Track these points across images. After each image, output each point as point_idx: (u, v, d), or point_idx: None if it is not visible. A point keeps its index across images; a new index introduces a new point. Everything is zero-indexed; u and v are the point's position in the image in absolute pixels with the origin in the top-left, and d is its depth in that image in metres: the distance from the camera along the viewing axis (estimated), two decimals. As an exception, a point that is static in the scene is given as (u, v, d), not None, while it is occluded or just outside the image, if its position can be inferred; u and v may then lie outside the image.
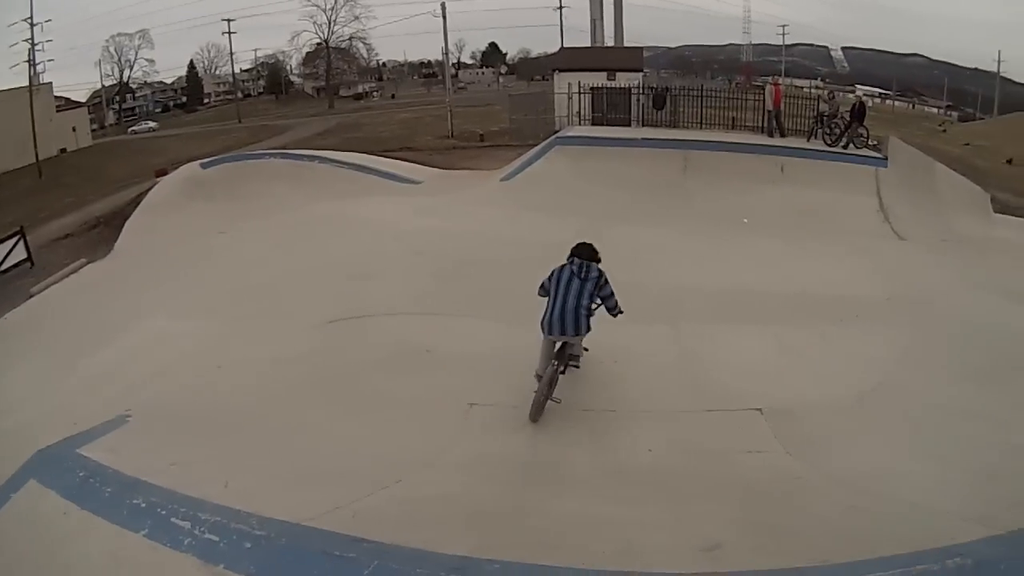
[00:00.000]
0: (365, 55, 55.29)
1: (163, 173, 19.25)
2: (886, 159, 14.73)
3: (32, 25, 37.21)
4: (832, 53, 58.72)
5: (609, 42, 33.26)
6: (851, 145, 15.44)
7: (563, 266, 6.69)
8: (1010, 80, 47.62)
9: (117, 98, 50.82)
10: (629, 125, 19.64)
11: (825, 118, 16.16)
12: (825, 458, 5.98)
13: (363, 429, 6.42)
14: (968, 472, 5.60)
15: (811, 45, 58.16)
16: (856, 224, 13.16)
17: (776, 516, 5.01)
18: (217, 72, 55.51)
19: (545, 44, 50.40)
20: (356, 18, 51.93)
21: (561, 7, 45.42)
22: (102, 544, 4.51)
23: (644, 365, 7.68)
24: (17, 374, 8.77)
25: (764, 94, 17.50)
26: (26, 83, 34.62)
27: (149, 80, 52.95)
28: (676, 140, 16.02)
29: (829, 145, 15.69)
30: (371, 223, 13.36)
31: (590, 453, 6.11)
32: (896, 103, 51.13)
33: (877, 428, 6.51)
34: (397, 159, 20.21)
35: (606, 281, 6.67)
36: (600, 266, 6.73)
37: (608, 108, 20.81)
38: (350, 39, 53.34)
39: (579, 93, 20.85)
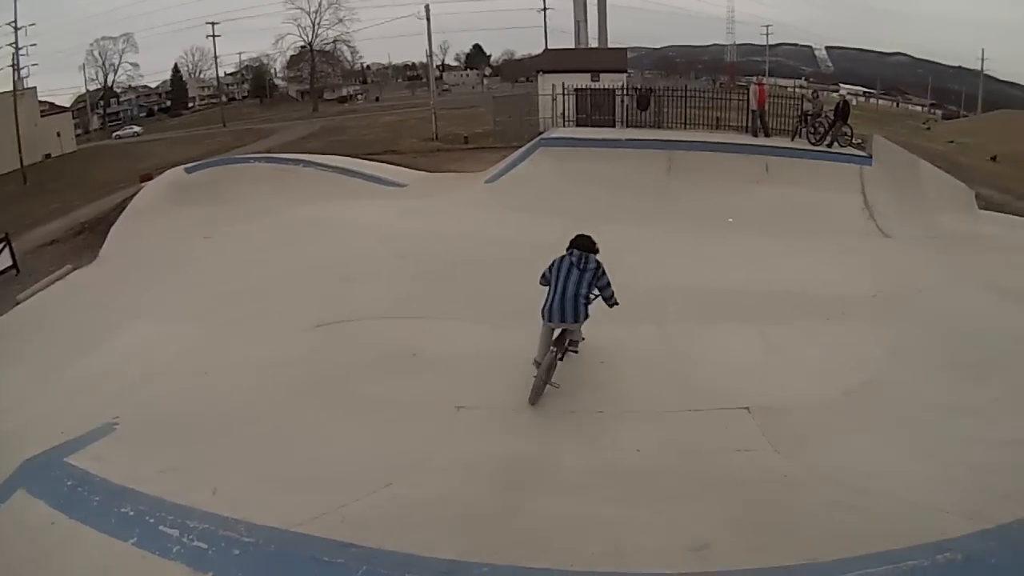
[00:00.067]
0: (349, 58, 55.28)
1: (148, 178, 19.22)
2: (870, 157, 14.79)
3: (16, 29, 36.88)
4: (816, 52, 59.24)
5: (593, 43, 33.18)
6: (835, 144, 15.51)
7: (563, 256, 6.97)
8: (993, 78, 48.20)
9: (101, 102, 50.46)
10: (613, 126, 19.71)
11: (809, 117, 16.17)
12: (813, 456, 6.01)
13: (351, 433, 6.41)
14: (957, 467, 5.63)
15: (795, 45, 58.66)
16: (841, 222, 13.20)
17: (765, 514, 5.02)
18: (201, 76, 55.50)
19: (529, 46, 50.17)
20: (340, 21, 51.82)
21: (545, 8, 45.36)
22: (91, 553, 4.51)
23: (631, 366, 7.71)
24: (3, 382, 8.70)
25: (748, 94, 17.50)
26: (10, 88, 34.36)
27: (133, 84, 52.72)
28: (660, 140, 15.98)
29: (813, 144, 15.73)
30: (356, 226, 13.36)
31: (579, 454, 6.12)
32: (880, 102, 51.42)
33: (865, 425, 6.54)
34: (382, 162, 20.21)
35: (604, 272, 6.91)
36: (598, 258, 6.95)
37: (592, 109, 20.85)
38: (334, 42, 53.23)
39: (563, 94, 20.78)
